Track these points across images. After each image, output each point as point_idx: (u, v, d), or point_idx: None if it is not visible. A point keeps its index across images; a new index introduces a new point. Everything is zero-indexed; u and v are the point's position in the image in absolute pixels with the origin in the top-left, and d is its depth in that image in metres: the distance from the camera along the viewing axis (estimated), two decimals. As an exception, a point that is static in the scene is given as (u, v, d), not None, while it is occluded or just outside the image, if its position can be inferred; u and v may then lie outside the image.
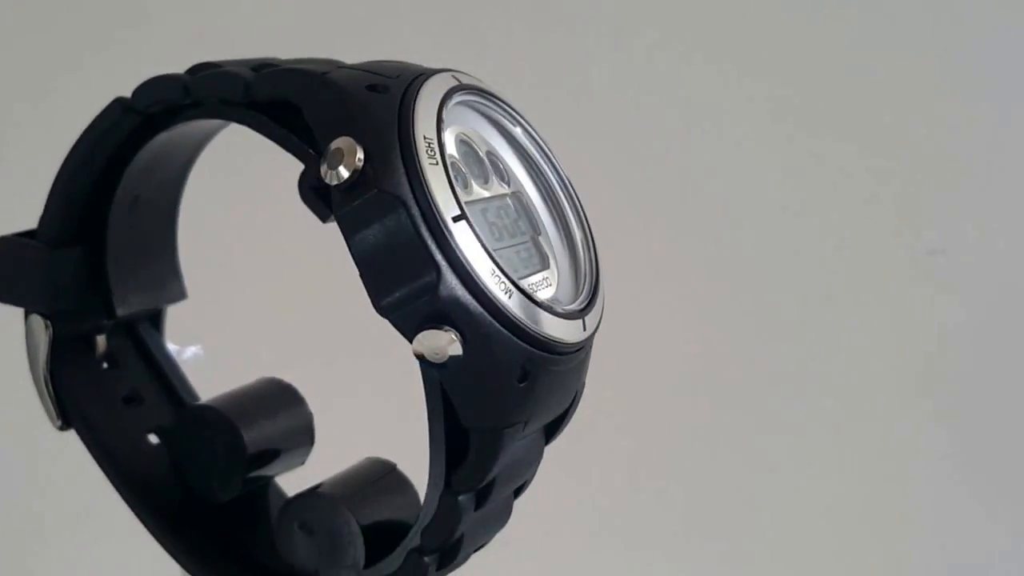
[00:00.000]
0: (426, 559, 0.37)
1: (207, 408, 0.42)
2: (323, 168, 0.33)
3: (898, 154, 0.73)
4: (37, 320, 0.41)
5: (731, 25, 0.74)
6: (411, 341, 0.32)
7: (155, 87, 0.36)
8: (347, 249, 0.33)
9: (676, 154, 0.74)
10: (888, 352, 0.74)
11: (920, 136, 0.73)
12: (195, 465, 0.42)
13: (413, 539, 0.37)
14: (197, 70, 0.37)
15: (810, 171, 0.74)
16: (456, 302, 0.32)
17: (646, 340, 0.73)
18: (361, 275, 0.33)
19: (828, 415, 0.75)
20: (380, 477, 0.41)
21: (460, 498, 0.35)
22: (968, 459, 0.74)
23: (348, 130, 0.33)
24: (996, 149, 0.72)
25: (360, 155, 0.32)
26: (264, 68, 0.36)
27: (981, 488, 0.74)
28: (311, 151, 0.34)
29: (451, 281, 0.32)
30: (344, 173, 0.32)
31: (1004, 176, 0.73)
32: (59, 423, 0.42)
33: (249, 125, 0.36)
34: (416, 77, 0.34)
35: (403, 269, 0.32)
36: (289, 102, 0.34)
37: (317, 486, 0.40)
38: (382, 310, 0.33)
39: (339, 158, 0.33)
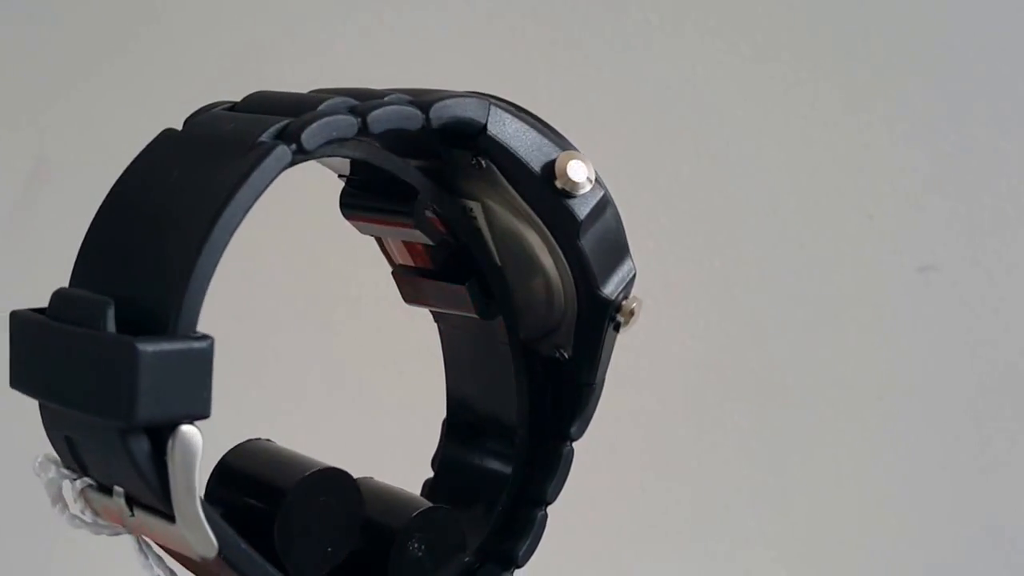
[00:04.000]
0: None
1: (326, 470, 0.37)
2: (559, 178, 0.37)
3: (890, 170, 0.73)
4: (193, 432, 0.30)
5: (725, 35, 0.74)
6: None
7: (330, 127, 0.33)
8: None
9: (659, 173, 0.73)
10: (880, 367, 0.74)
11: (913, 152, 0.72)
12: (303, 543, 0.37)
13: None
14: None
15: (801, 186, 0.73)
16: None
17: (634, 353, 0.73)
18: (590, 266, 0.38)
19: (821, 429, 0.75)
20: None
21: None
22: (960, 471, 0.74)
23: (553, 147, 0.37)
24: (989, 164, 0.72)
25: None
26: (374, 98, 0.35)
27: (973, 497, 0.74)
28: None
29: None
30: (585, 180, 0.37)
31: (996, 192, 0.72)
32: (215, 550, 0.32)
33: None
34: None
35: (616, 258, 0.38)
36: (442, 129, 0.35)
37: (429, 505, 0.39)
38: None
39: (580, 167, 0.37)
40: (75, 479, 0.34)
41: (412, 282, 0.40)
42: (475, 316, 0.39)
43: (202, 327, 0.32)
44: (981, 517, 0.74)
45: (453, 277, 0.39)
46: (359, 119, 0.33)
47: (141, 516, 0.33)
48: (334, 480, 0.36)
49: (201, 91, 0.79)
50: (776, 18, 0.72)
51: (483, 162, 0.37)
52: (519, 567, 0.40)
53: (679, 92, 0.74)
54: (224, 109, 0.35)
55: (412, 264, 0.41)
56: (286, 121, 0.33)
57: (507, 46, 0.75)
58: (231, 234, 0.31)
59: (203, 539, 0.31)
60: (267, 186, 0.32)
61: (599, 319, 0.39)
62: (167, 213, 0.32)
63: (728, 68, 0.73)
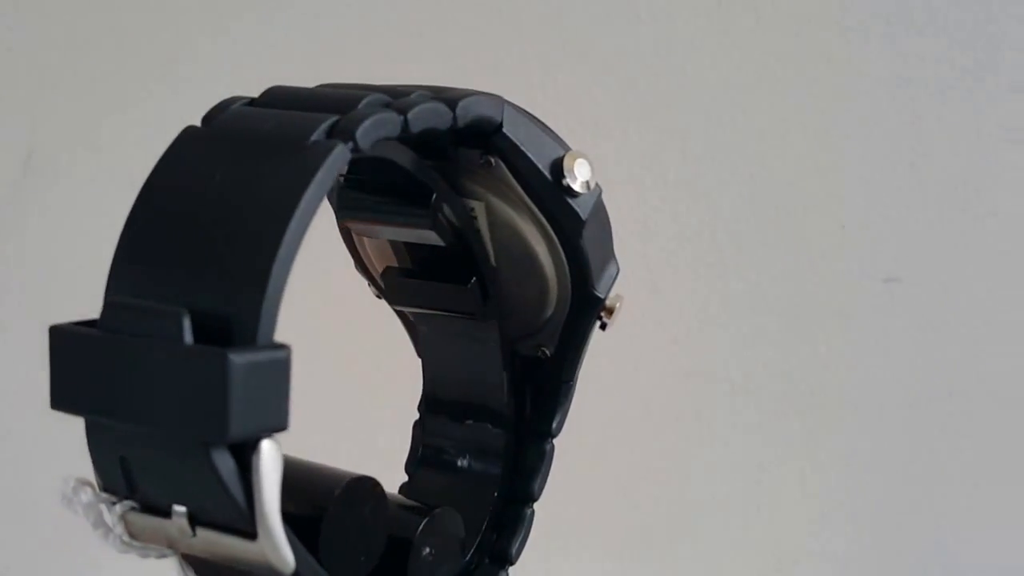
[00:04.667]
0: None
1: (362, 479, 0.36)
2: (567, 176, 0.37)
3: (855, 180, 0.73)
4: (276, 445, 0.29)
5: (716, 46, 0.74)
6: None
7: (381, 125, 0.32)
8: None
9: (644, 184, 0.74)
10: (849, 378, 0.74)
11: (876, 162, 0.73)
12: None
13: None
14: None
15: (768, 195, 0.74)
16: None
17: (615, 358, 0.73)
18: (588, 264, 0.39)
19: (778, 445, 0.75)
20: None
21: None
22: (924, 481, 0.74)
23: (557, 146, 0.38)
24: (954, 175, 0.72)
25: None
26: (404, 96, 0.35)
27: (941, 509, 0.74)
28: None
29: None
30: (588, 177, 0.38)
31: (961, 202, 0.72)
32: (292, 567, 0.31)
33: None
34: None
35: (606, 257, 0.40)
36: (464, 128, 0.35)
37: (424, 509, 0.38)
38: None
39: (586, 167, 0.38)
40: (115, 502, 0.32)
41: (404, 284, 0.40)
42: (466, 317, 0.40)
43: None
44: (947, 530, 0.74)
45: (455, 278, 0.39)
46: (401, 116, 0.33)
47: (205, 535, 0.31)
48: (367, 488, 0.36)
49: (192, 86, 0.75)
50: (742, 28, 0.73)
51: (492, 160, 0.37)
52: (513, 564, 0.41)
53: (649, 96, 0.73)
54: (244, 105, 0.34)
55: (396, 265, 0.40)
56: (334, 118, 0.32)
57: (477, 43, 0.74)
58: (303, 236, 0.30)
59: (284, 555, 0.31)
60: (326, 189, 0.31)
61: (589, 317, 0.40)
62: (226, 217, 0.31)
63: (700, 73, 0.73)
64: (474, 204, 0.38)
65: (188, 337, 0.29)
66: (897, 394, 0.73)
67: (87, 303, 0.81)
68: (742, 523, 0.75)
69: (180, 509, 0.31)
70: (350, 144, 0.31)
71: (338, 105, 0.33)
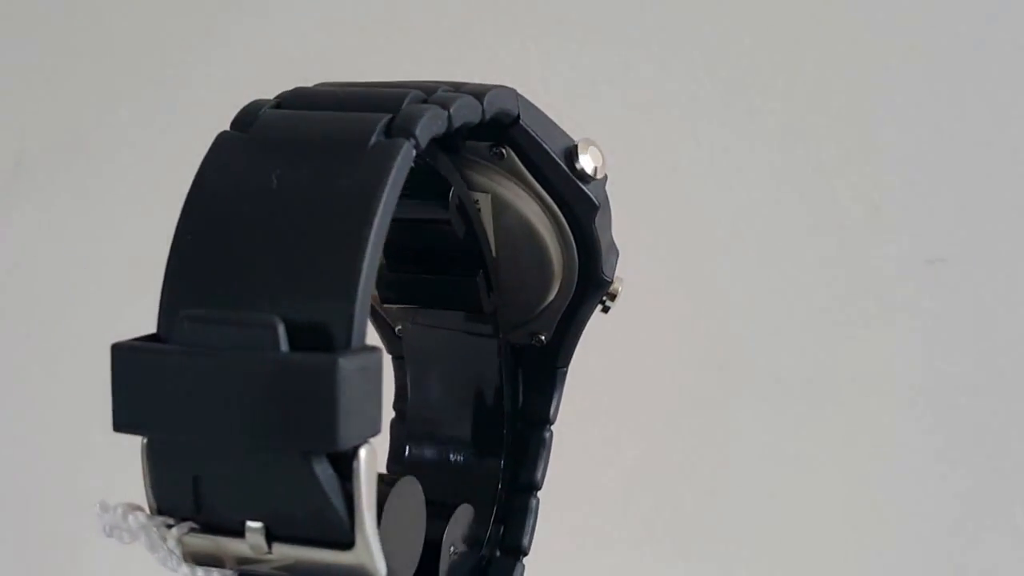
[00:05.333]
0: None
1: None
2: (581, 163, 0.37)
3: (895, 159, 0.71)
4: (373, 451, 0.28)
5: (724, 33, 0.72)
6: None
7: (435, 122, 0.31)
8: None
9: (662, 159, 0.72)
10: (887, 364, 0.72)
11: (916, 140, 0.71)
12: None
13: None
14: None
15: (804, 177, 0.72)
16: None
17: (640, 347, 0.72)
18: (599, 249, 0.39)
19: (828, 426, 0.73)
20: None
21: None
22: (967, 469, 0.72)
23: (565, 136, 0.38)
24: (996, 153, 0.70)
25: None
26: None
27: (980, 499, 0.72)
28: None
29: None
30: (599, 163, 0.38)
31: (1004, 181, 0.70)
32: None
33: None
34: None
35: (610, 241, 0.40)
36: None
37: (440, 506, 0.37)
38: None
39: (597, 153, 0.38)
40: (171, 524, 0.31)
41: (397, 280, 0.39)
42: (464, 311, 0.39)
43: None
44: (993, 517, 0.73)
45: (459, 271, 0.38)
46: (445, 112, 0.32)
47: (281, 550, 0.30)
48: (411, 487, 0.35)
49: (181, 88, 0.73)
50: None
51: (503, 152, 0.37)
52: (527, 555, 0.40)
53: (683, 74, 0.72)
54: (271, 108, 0.33)
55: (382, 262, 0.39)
56: (387, 117, 0.31)
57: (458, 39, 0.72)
58: (384, 237, 0.30)
59: (380, 563, 0.30)
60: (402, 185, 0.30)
61: (593, 301, 0.40)
62: (299, 222, 0.30)
63: (727, 49, 0.72)
64: (479, 196, 0.38)
65: (284, 346, 0.28)
66: (942, 381, 0.71)
67: (79, 305, 0.75)
68: (781, 514, 0.74)
69: (255, 525, 0.30)
70: (412, 141, 0.31)
71: (382, 104, 0.32)
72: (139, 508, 0.31)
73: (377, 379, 0.29)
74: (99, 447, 0.71)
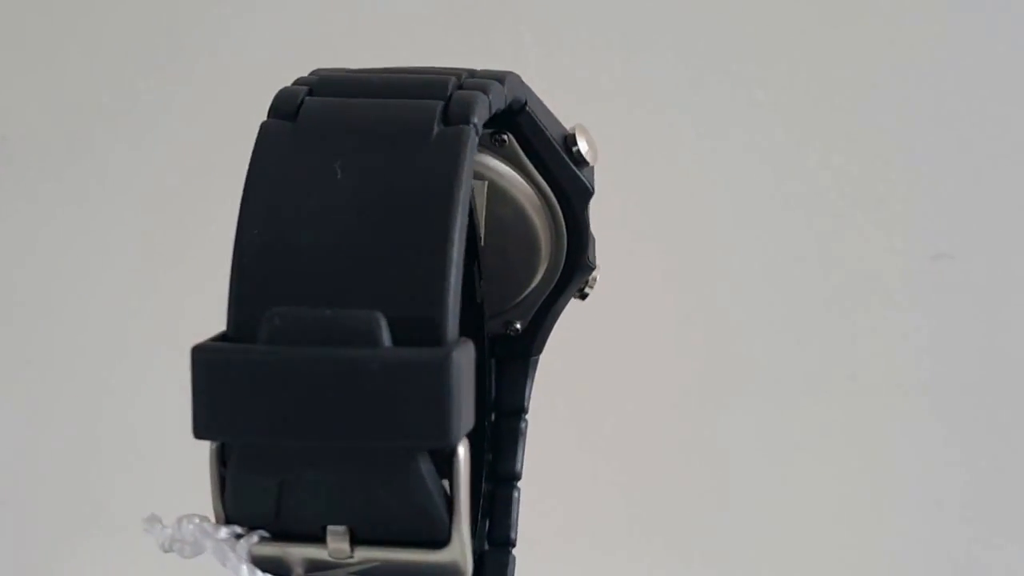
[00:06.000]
0: None
1: None
2: (579, 148, 0.38)
3: (900, 154, 0.70)
4: (467, 448, 0.28)
5: (725, 30, 0.71)
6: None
7: (485, 106, 0.31)
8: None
9: (658, 148, 0.70)
10: (892, 361, 0.71)
11: (923, 133, 0.70)
12: None
13: None
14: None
15: (809, 171, 0.70)
16: None
17: (642, 343, 0.70)
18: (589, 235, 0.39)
19: (830, 424, 0.72)
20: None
21: None
22: (972, 467, 0.71)
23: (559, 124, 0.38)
24: (1003, 148, 0.69)
25: None
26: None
27: (985, 498, 0.72)
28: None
29: None
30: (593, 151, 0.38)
31: (1011, 176, 0.69)
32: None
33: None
34: None
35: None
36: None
37: None
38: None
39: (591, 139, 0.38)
40: (240, 534, 0.29)
41: None
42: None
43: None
44: (998, 519, 0.71)
45: None
46: (487, 98, 0.32)
47: (364, 554, 0.29)
48: None
49: (168, 74, 0.71)
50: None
51: (506, 138, 0.37)
52: (515, 547, 0.40)
53: (681, 73, 0.70)
54: (307, 95, 0.32)
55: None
56: (439, 104, 0.31)
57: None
58: (465, 225, 0.29)
59: (470, 561, 0.29)
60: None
61: (574, 287, 0.40)
62: (376, 214, 0.29)
63: (730, 46, 0.70)
64: (475, 183, 0.37)
65: (387, 341, 0.27)
66: (948, 378, 0.70)
67: (61, 293, 0.73)
68: (779, 513, 0.72)
69: (339, 529, 0.29)
70: (473, 127, 0.30)
71: (425, 91, 0.32)
72: (203, 519, 0.30)
73: (471, 373, 0.28)
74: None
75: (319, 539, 0.29)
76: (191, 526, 0.29)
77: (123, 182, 0.72)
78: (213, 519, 0.30)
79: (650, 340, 0.71)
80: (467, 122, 0.30)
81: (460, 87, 0.32)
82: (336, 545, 0.29)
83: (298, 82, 0.33)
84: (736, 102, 0.69)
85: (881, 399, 0.70)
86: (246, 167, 0.31)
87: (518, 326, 0.40)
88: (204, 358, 0.28)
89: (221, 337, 0.28)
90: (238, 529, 0.29)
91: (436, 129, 0.30)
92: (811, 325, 0.70)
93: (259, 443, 0.28)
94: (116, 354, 0.73)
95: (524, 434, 0.41)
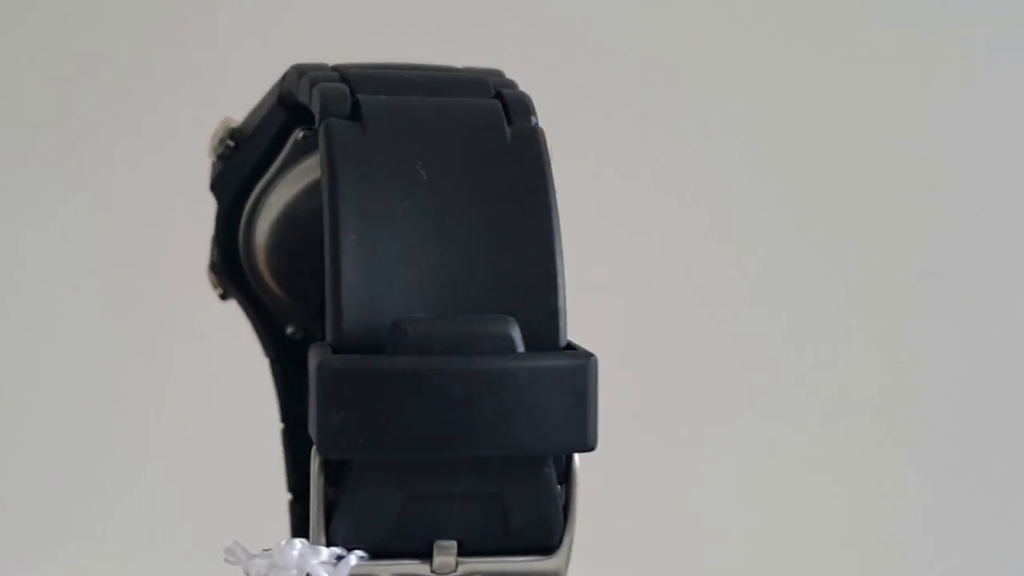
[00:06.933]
0: None
1: None
2: None
3: (886, 169, 0.68)
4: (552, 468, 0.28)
5: (709, 39, 0.67)
6: None
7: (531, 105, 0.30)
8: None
9: (638, 158, 0.66)
10: (874, 380, 0.69)
11: (909, 150, 0.68)
12: None
13: None
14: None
15: (791, 189, 0.68)
16: None
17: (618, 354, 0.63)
18: None
19: (809, 442, 0.69)
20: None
21: None
22: (953, 489, 0.69)
23: None
24: (989, 164, 0.68)
25: None
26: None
27: (968, 518, 0.70)
28: None
29: None
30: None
31: (1001, 191, 0.68)
32: None
33: None
34: None
35: None
36: None
37: None
38: None
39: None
40: (342, 556, 0.28)
41: None
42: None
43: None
44: (989, 538, 0.70)
45: None
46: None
47: (470, 567, 0.29)
48: None
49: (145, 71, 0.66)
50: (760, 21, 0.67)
51: None
52: None
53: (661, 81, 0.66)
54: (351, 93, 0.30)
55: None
56: (496, 102, 0.30)
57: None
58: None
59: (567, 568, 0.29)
60: None
61: None
62: (471, 218, 0.28)
63: (715, 55, 0.67)
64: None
65: (520, 347, 0.27)
66: (932, 398, 0.69)
67: (28, 297, 0.68)
68: (755, 535, 0.69)
69: (448, 543, 0.28)
70: (540, 129, 0.30)
71: (469, 88, 0.31)
72: (304, 543, 0.28)
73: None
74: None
75: (422, 554, 0.28)
76: (294, 552, 0.28)
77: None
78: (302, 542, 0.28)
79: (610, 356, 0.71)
80: (530, 121, 0.30)
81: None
82: (443, 559, 0.28)
83: (325, 78, 0.31)
84: (719, 113, 0.68)
85: (864, 419, 0.69)
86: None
87: None
88: (335, 370, 0.26)
89: (331, 349, 0.27)
90: (338, 551, 0.28)
91: (508, 129, 0.30)
92: (794, 344, 0.69)
93: (398, 458, 0.27)
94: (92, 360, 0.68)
95: None
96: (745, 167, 0.68)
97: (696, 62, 0.68)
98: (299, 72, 0.33)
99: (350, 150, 0.29)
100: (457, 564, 0.28)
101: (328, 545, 0.28)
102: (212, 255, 0.38)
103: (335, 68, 0.32)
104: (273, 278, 0.38)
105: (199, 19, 0.67)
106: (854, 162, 0.68)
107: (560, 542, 0.28)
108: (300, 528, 0.39)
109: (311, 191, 0.36)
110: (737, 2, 0.68)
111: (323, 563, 0.28)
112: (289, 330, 0.39)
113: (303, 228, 0.37)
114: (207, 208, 0.38)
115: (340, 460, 0.27)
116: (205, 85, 0.64)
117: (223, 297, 0.39)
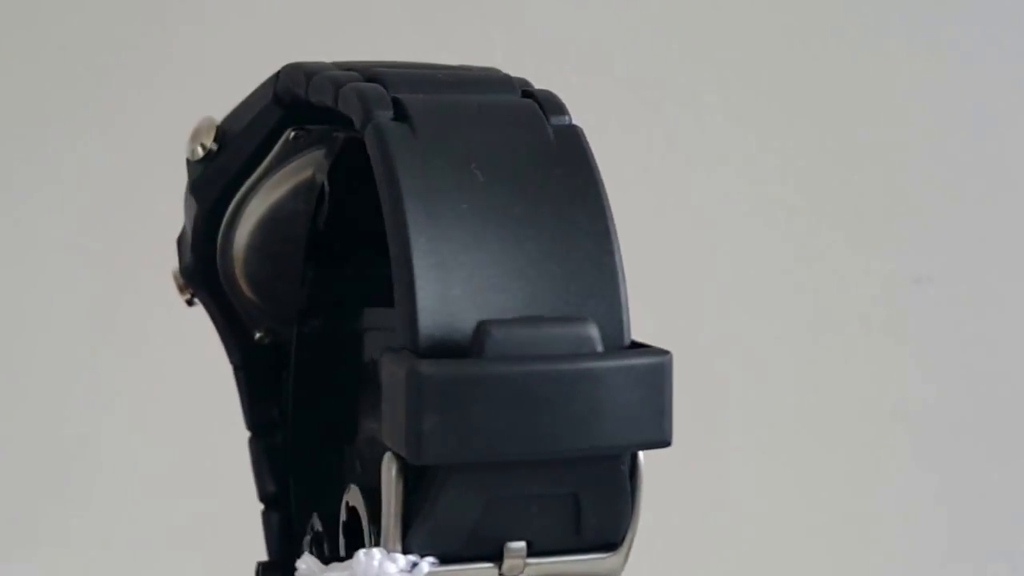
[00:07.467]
0: None
1: None
2: None
3: (880, 170, 0.67)
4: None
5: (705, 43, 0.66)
6: None
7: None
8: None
9: (633, 162, 0.65)
10: (869, 387, 0.68)
11: (904, 155, 0.67)
12: None
13: None
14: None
15: (787, 194, 0.66)
16: None
17: None
18: None
19: (802, 452, 0.68)
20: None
21: None
22: (952, 499, 0.69)
23: None
24: (983, 170, 0.68)
25: None
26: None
27: (963, 531, 0.70)
28: None
29: None
30: None
31: (997, 196, 0.68)
32: None
33: None
34: None
35: None
36: None
37: None
38: None
39: None
40: (416, 563, 0.28)
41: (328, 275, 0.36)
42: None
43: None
44: (987, 544, 0.69)
45: None
46: None
47: (536, 569, 0.29)
48: None
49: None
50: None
51: None
52: None
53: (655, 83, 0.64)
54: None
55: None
56: (531, 101, 0.30)
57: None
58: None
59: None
60: None
61: None
62: (531, 218, 0.28)
63: (710, 60, 0.65)
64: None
65: (599, 347, 0.27)
66: (928, 401, 0.68)
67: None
68: (757, 539, 0.69)
69: (519, 545, 0.28)
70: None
71: (499, 85, 0.31)
72: (382, 551, 0.27)
73: None
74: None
75: (492, 558, 0.28)
76: (374, 562, 0.27)
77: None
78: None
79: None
80: (566, 118, 0.30)
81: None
82: (513, 561, 0.28)
83: (349, 79, 0.30)
84: (714, 117, 0.68)
85: (860, 424, 0.69)
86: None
87: None
88: (427, 377, 0.26)
89: (420, 353, 0.26)
90: (413, 558, 0.27)
91: (549, 128, 0.30)
92: (790, 350, 0.69)
93: (490, 461, 0.26)
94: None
95: None
96: (743, 175, 0.68)
97: (695, 62, 0.68)
98: (306, 71, 0.32)
99: (405, 151, 0.28)
100: (524, 566, 0.28)
101: (404, 552, 0.27)
102: (184, 259, 0.37)
103: (344, 66, 0.32)
104: (248, 281, 0.37)
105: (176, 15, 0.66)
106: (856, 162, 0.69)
107: (623, 538, 0.29)
108: (279, 537, 0.38)
109: (298, 192, 0.36)
110: (727, 10, 0.69)
111: (401, 571, 0.27)
112: (257, 335, 0.38)
113: (285, 230, 0.36)
114: (171, 209, 0.37)
115: (420, 467, 0.27)
116: (179, 81, 0.63)
117: (190, 303, 0.38)
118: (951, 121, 0.68)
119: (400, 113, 0.29)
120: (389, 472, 0.27)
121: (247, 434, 0.39)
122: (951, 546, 0.70)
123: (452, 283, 0.27)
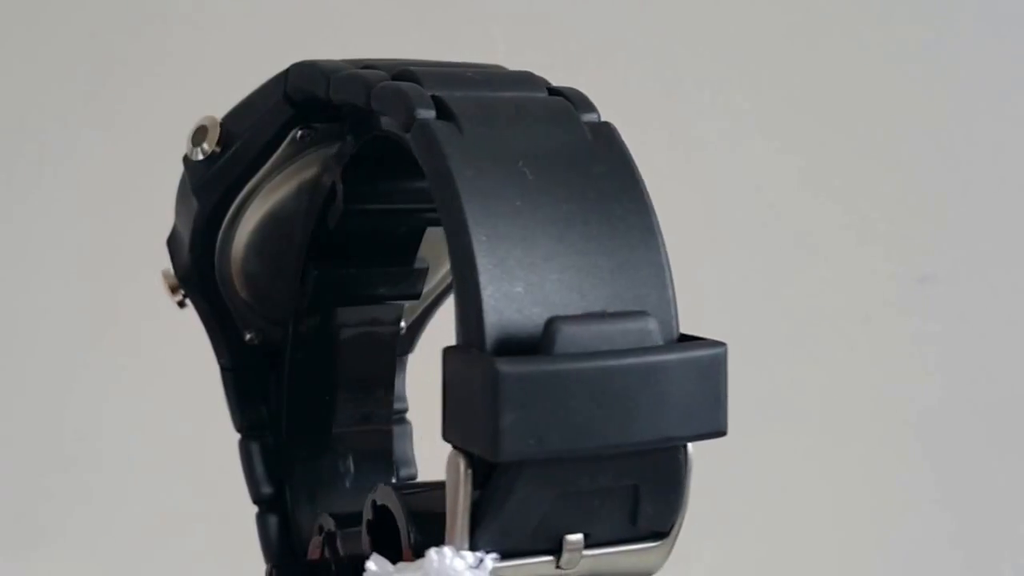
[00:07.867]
0: None
1: None
2: None
3: (887, 172, 0.66)
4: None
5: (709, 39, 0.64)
6: None
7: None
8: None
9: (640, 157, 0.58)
10: (874, 386, 0.67)
11: (910, 155, 0.66)
12: None
13: None
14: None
15: (792, 193, 0.65)
16: None
17: None
18: None
19: (808, 449, 0.67)
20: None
21: None
22: (954, 499, 0.68)
23: None
24: (988, 170, 0.67)
25: None
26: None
27: (979, 520, 0.69)
28: None
29: None
30: None
31: (999, 196, 0.67)
32: None
33: None
34: None
35: None
36: None
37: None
38: None
39: None
40: (482, 559, 0.28)
41: (327, 277, 0.36)
42: (381, 305, 0.37)
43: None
44: (991, 543, 0.68)
45: (401, 259, 0.36)
46: None
47: (586, 562, 0.29)
48: None
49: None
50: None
51: None
52: None
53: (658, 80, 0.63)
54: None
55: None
56: (562, 99, 0.31)
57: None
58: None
59: None
60: None
61: None
62: (580, 215, 0.29)
63: (713, 56, 0.64)
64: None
65: (659, 340, 0.28)
66: (933, 399, 0.68)
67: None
68: (762, 537, 0.68)
69: (577, 538, 0.29)
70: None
71: (527, 84, 0.32)
72: (453, 549, 0.27)
73: None
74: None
75: (550, 551, 0.28)
76: (446, 560, 0.27)
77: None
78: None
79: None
80: (596, 116, 0.31)
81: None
82: (571, 554, 0.28)
83: (378, 78, 0.30)
84: (717, 114, 0.67)
85: (865, 421, 0.68)
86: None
87: (404, 324, 0.39)
88: (506, 374, 0.26)
89: (489, 351, 0.27)
90: (480, 554, 0.28)
91: (584, 125, 0.30)
92: (795, 348, 0.68)
93: (566, 456, 0.27)
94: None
95: (411, 432, 0.40)
96: (748, 175, 0.68)
97: (699, 60, 0.68)
98: (323, 70, 0.32)
99: (456, 150, 0.28)
100: (581, 558, 0.29)
101: (471, 549, 0.27)
102: (178, 260, 0.36)
103: (360, 64, 0.31)
104: (244, 281, 0.37)
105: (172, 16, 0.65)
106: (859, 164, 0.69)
107: (671, 527, 0.29)
108: (276, 538, 0.38)
109: (301, 191, 0.35)
110: (731, 8, 0.69)
111: (469, 567, 0.27)
112: (247, 336, 0.38)
113: (284, 228, 0.36)
114: (165, 209, 0.36)
115: (490, 464, 0.27)
116: (175, 80, 0.63)
117: (182, 304, 0.37)
118: (957, 121, 0.69)
119: (443, 112, 0.29)
120: (456, 470, 0.27)
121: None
122: (954, 545, 0.70)
123: (515, 280, 0.27)
